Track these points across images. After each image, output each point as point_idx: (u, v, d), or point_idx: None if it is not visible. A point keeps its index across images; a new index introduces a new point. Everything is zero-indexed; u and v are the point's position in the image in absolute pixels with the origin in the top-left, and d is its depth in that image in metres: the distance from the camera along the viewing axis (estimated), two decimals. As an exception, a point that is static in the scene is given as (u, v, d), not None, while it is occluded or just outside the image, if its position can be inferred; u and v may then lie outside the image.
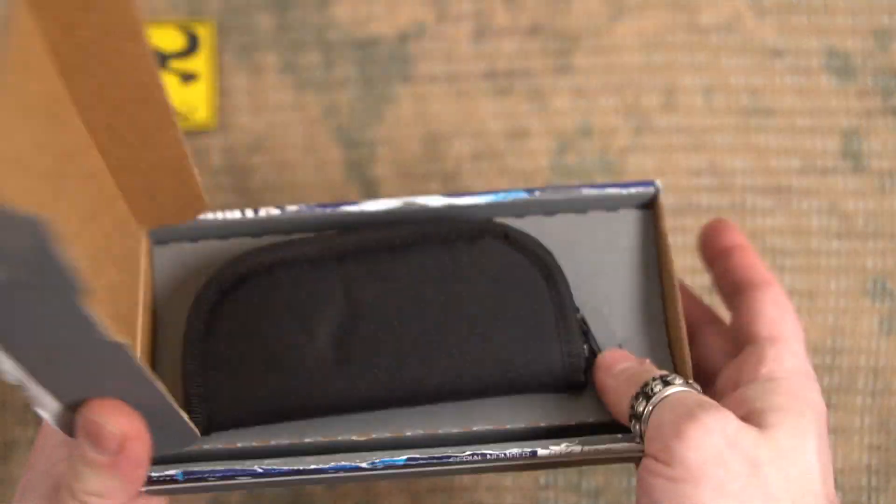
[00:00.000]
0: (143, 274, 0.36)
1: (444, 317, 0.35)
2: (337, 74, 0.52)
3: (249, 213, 0.36)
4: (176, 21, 0.51)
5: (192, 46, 0.51)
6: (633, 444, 0.33)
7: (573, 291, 0.36)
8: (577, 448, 0.34)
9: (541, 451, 0.34)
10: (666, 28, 0.51)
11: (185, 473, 0.33)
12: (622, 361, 0.34)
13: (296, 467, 0.33)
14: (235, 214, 0.36)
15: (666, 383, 0.31)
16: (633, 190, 0.37)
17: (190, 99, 0.51)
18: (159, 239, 0.37)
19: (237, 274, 0.35)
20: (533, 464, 0.35)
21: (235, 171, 0.52)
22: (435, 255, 0.35)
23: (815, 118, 0.50)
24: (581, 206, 0.38)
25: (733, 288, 0.37)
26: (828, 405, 0.50)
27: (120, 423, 0.28)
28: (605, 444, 0.34)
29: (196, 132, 0.52)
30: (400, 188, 0.51)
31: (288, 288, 0.35)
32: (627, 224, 0.38)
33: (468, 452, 0.34)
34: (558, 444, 0.34)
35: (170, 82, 0.51)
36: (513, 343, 0.35)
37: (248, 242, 0.37)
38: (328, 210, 0.36)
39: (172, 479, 0.33)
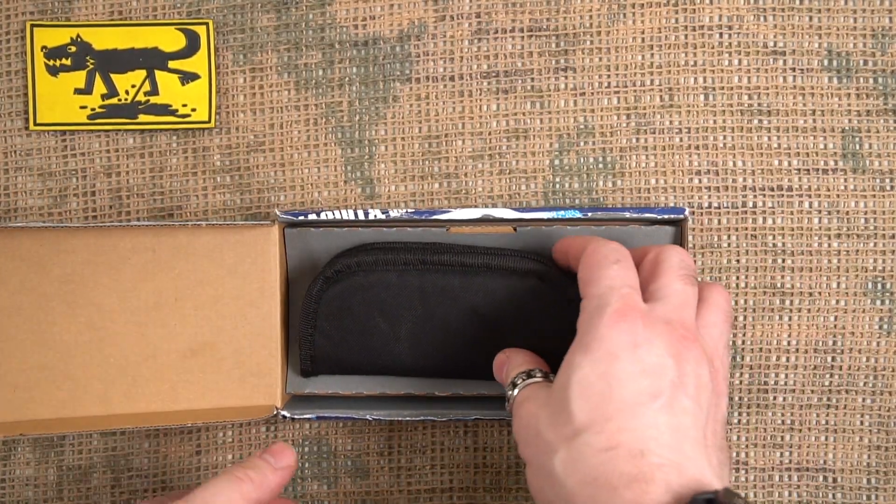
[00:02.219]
0: (279, 255, 0.48)
1: (492, 331, 0.46)
2: (337, 74, 0.51)
3: (361, 215, 0.46)
4: (176, 21, 0.51)
5: (192, 46, 0.51)
6: None
7: None
8: None
9: None
10: (666, 28, 0.51)
11: (318, 416, 0.48)
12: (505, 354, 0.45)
13: (394, 418, 0.48)
14: (350, 215, 0.46)
15: (529, 375, 0.42)
16: (666, 216, 0.46)
17: (190, 99, 0.51)
18: (290, 224, 0.48)
19: (336, 270, 0.46)
20: None
21: (235, 171, 0.52)
22: (493, 285, 0.46)
23: (815, 118, 0.50)
24: (624, 222, 0.47)
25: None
26: (828, 405, 0.51)
27: (293, 456, 0.43)
28: None
29: (196, 132, 0.52)
30: (400, 188, 0.51)
31: (378, 288, 0.46)
32: (659, 237, 0.47)
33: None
34: None
35: (170, 82, 0.51)
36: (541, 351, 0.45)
37: (356, 231, 0.48)
38: (424, 216, 0.46)
39: (309, 420, 0.50)
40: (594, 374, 0.36)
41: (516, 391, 0.41)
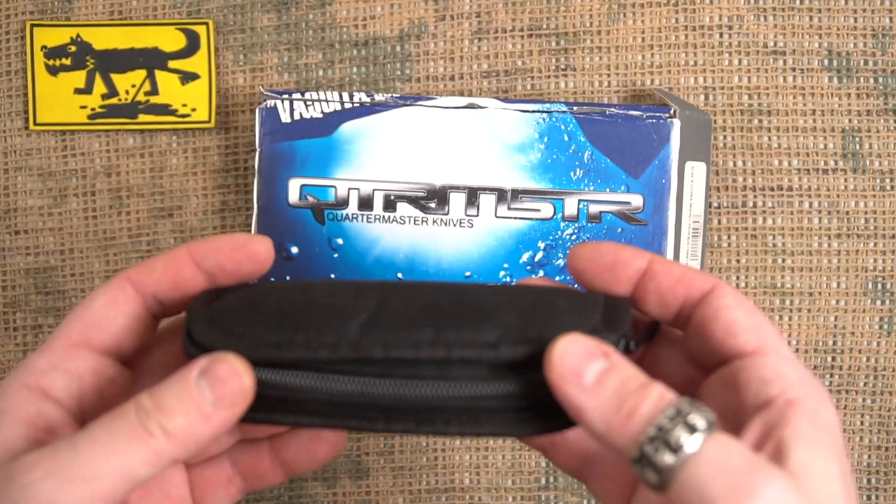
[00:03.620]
0: None
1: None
2: (337, 74, 0.51)
3: (346, 97, 0.47)
4: (176, 21, 0.51)
5: (192, 46, 0.51)
6: None
7: None
8: None
9: None
10: (666, 28, 0.51)
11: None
12: (591, 360, 0.28)
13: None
14: (335, 96, 0.47)
15: (690, 428, 0.26)
16: (651, 112, 0.46)
17: (190, 99, 0.51)
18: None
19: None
20: None
21: (236, 171, 0.52)
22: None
23: (815, 118, 0.50)
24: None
25: (677, 308, 0.31)
26: (828, 405, 0.51)
27: (242, 388, 0.28)
28: None
29: (196, 132, 0.52)
30: (400, 188, 0.51)
31: None
32: (659, 127, 0.47)
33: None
34: None
35: (170, 82, 0.51)
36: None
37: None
38: (409, 101, 0.47)
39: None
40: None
41: (687, 453, 0.26)
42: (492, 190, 0.47)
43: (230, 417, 0.27)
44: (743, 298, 0.30)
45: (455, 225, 0.47)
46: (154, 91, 0.51)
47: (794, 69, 0.50)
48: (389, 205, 0.47)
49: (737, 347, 0.29)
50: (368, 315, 0.29)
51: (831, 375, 0.51)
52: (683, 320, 0.31)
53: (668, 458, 0.26)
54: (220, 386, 0.27)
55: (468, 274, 0.47)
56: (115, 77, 0.51)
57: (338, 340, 0.28)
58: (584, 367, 0.27)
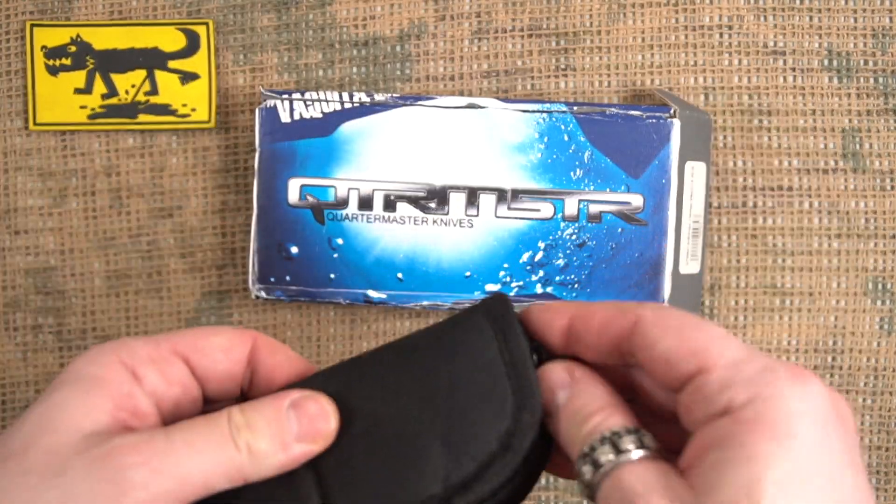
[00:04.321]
0: None
1: None
2: (337, 74, 0.51)
3: (346, 97, 0.47)
4: (176, 21, 0.51)
5: (192, 46, 0.51)
6: None
7: None
8: None
9: None
10: (666, 28, 0.51)
11: None
12: (564, 387, 0.29)
13: None
14: (335, 97, 0.47)
15: (617, 451, 0.27)
16: (651, 112, 0.46)
17: (190, 99, 0.51)
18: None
19: None
20: None
21: (235, 171, 0.52)
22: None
23: (815, 118, 0.50)
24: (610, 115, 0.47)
25: (616, 354, 0.30)
26: (828, 405, 0.51)
27: (333, 427, 0.29)
28: None
29: (196, 132, 0.52)
30: (400, 188, 0.51)
31: None
32: (658, 128, 0.47)
33: None
34: None
35: (170, 82, 0.51)
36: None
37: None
38: (409, 101, 0.47)
39: None
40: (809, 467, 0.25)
41: (606, 468, 0.27)
42: (492, 190, 0.47)
43: (307, 454, 0.28)
44: (666, 320, 0.29)
45: (455, 225, 0.47)
46: (154, 91, 0.51)
47: (794, 69, 0.50)
48: (389, 205, 0.47)
49: (681, 377, 0.28)
50: None
51: (831, 375, 0.51)
52: (632, 360, 0.30)
53: (589, 475, 0.27)
54: (307, 422, 0.29)
55: (468, 274, 0.47)
56: (115, 77, 0.51)
57: None
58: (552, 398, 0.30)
